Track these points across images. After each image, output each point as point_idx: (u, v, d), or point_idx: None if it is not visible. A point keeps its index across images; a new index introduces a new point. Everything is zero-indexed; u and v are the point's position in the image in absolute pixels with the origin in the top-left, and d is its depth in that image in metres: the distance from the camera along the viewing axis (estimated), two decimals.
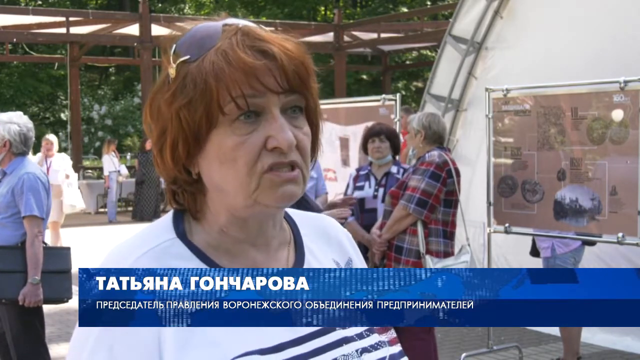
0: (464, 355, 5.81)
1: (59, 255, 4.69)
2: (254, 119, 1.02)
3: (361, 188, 5.50)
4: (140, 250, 1.05)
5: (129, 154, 22.73)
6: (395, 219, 4.81)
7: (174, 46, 1.07)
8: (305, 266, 1.14)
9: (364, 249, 5.02)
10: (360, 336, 1.13)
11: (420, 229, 4.78)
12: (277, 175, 1.03)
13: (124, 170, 17.45)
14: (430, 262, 4.72)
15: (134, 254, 1.05)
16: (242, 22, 1.07)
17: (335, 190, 7.05)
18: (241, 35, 1.03)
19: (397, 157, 5.56)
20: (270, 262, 1.11)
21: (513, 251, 7.25)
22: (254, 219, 1.09)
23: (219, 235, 1.09)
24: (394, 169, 5.42)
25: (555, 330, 6.09)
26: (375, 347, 1.13)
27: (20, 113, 4.78)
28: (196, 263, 1.06)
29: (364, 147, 5.53)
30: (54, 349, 5.77)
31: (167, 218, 1.12)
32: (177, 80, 1.04)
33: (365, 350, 1.11)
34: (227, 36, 1.04)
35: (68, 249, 4.81)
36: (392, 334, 1.19)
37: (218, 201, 1.08)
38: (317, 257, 1.18)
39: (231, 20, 1.07)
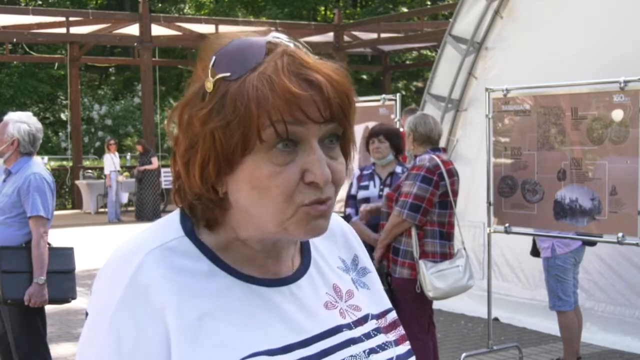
0: (464, 355, 5.81)
1: (63, 255, 4.69)
2: (292, 148, 0.99)
3: (366, 187, 5.53)
4: (146, 248, 1.03)
5: (128, 153, 22.71)
6: (392, 224, 4.82)
7: (214, 57, 1.01)
8: (311, 267, 1.15)
9: (370, 249, 5.03)
10: (367, 336, 1.13)
11: (414, 233, 4.77)
12: (313, 209, 1.01)
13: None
14: (424, 267, 4.71)
15: (142, 251, 1.03)
16: (286, 41, 1.03)
17: None
18: (287, 59, 1.00)
19: (399, 157, 5.56)
20: (279, 265, 1.11)
21: (513, 251, 7.25)
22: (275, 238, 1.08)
23: (233, 241, 1.08)
24: (398, 169, 5.44)
25: (555, 330, 6.08)
26: (382, 347, 1.14)
27: (29, 113, 4.80)
28: (205, 263, 1.05)
29: (367, 148, 5.57)
30: (54, 349, 5.77)
31: (173, 216, 1.10)
32: (215, 98, 0.99)
33: (372, 350, 1.12)
34: (272, 58, 1.00)
35: (71, 249, 4.80)
36: (399, 331, 1.20)
37: (242, 220, 1.05)
38: (324, 256, 1.19)
39: (275, 38, 1.03)
